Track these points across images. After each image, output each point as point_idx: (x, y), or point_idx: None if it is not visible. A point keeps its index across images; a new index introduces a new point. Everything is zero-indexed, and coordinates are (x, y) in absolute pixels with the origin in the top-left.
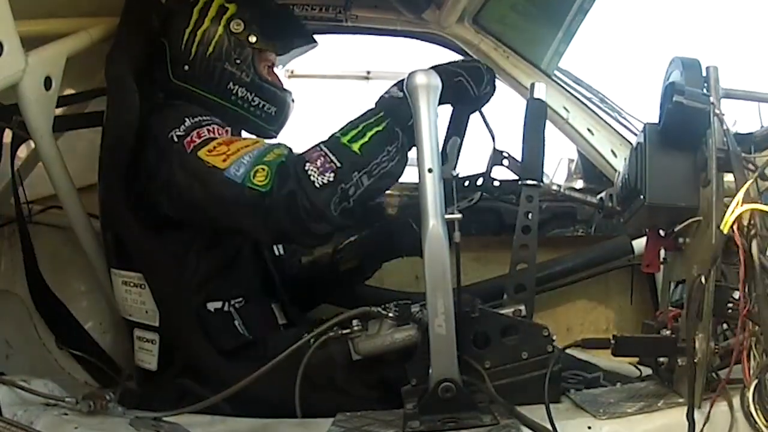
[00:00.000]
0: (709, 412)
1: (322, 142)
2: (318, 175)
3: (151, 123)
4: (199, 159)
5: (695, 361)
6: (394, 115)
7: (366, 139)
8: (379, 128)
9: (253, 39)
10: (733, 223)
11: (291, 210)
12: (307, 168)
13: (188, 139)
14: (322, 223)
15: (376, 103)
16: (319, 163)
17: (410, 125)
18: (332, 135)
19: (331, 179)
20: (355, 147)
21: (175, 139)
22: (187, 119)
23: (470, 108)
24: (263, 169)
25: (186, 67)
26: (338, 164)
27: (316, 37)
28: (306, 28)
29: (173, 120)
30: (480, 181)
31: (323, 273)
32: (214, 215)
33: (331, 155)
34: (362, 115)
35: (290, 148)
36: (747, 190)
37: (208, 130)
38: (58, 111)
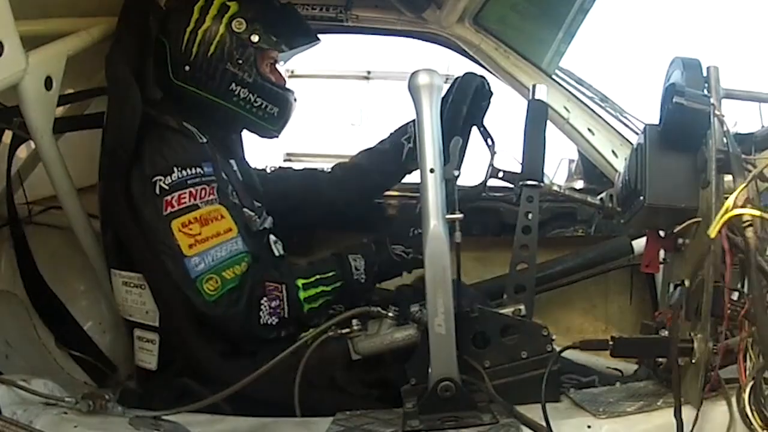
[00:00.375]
0: (698, 412)
1: (286, 283)
2: (267, 314)
3: (145, 145)
4: (170, 230)
5: (693, 361)
6: (350, 292)
7: (316, 305)
8: (329, 298)
9: (255, 38)
10: (721, 227)
11: (228, 327)
12: (262, 302)
13: (169, 198)
14: (245, 344)
15: (342, 259)
16: (273, 304)
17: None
18: (298, 277)
19: (274, 323)
20: (306, 307)
21: (157, 191)
22: (176, 169)
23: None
24: (216, 282)
25: (187, 68)
26: (286, 315)
27: None
28: (309, 26)
29: (163, 163)
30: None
31: None
32: (155, 280)
33: (285, 303)
34: (329, 271)
35: (253, 262)
36: (741, 192)
37: (191, 194)
38: (59, 112)
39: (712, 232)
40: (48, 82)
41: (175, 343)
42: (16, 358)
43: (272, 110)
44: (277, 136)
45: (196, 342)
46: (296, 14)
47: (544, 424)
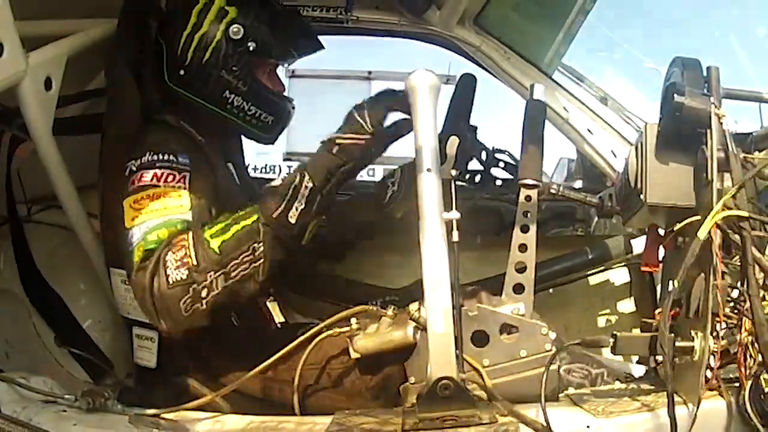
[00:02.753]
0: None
1: (193, 231)
2: (173, 270)
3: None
4: (122, 208)
5: (693, 360)
6: (263, 212)
7: (228, 236)
8: (247, 223)
9: (252, 46)
10: (710, 229)
11: (144, 300)
12: (167, 258)
13: (133, 177)
14: (168, 322)
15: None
16: (179, 255)
17: (276, 218)
18: (203, 226)
19: (183, 277)
20: (215, 244)
21: (126, 173)
22: (149, 153)
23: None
24: (140, 249)
25: (182, 72)
26: (194, 262)
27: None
28: (313, 33)
29: (141, 147)
30: (478, 178)
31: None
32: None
33: (191, 249)
34: (242, 211)
35: (186, 224)
36: (735, 194)
37: (155, 175)
38: (59, 112)
39: (702, 232)
40: (48, 83)
41: (174, 341)
42: (16, 356)
43: (267, 119)
44: (272, 143)
45: (196, 340)
46: (300, 20)
47: (543, 423)
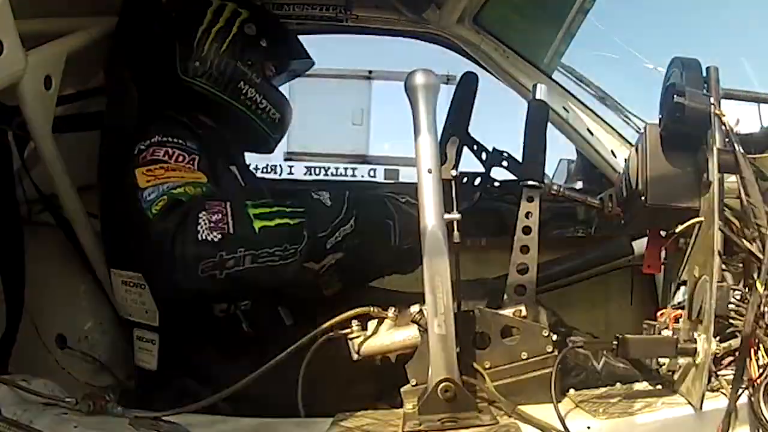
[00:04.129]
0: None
1: (233, 201)
2: (206, 229)
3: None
4: (133, 175)
5: (696, 362)
6: (310, 221)
7: (272, 223)
8: (291, 222)
9: (264, 43)
10: None
11: (161, 247)
12: (200, 216)
13: (143, 154)
14: (180, 275)
15: (305, 199)
16: (215, 218)
17: (319, 237)
18: (246, 201)
19: (215, 240)
20: (257, 225)
21: (136, 151)
22: (157, 135)
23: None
24: (164, 200)
25: (197, 63)
26: (231, 231)
27: (316, 36)
28: (304, 47)
29: (147, 131)
30: (478, 181)
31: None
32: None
33: (230, 218)
34: (287, 202)
35: (208, 190)
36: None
37: (166, 152)
38: (59, 112)
39: None
40: (47, 82)
41: (175, 343)
42: (16, 358)
43: (275, 115)
44: (272, 150)
45: (197, 342)
46: (295, 35)
47: (545, 423)
